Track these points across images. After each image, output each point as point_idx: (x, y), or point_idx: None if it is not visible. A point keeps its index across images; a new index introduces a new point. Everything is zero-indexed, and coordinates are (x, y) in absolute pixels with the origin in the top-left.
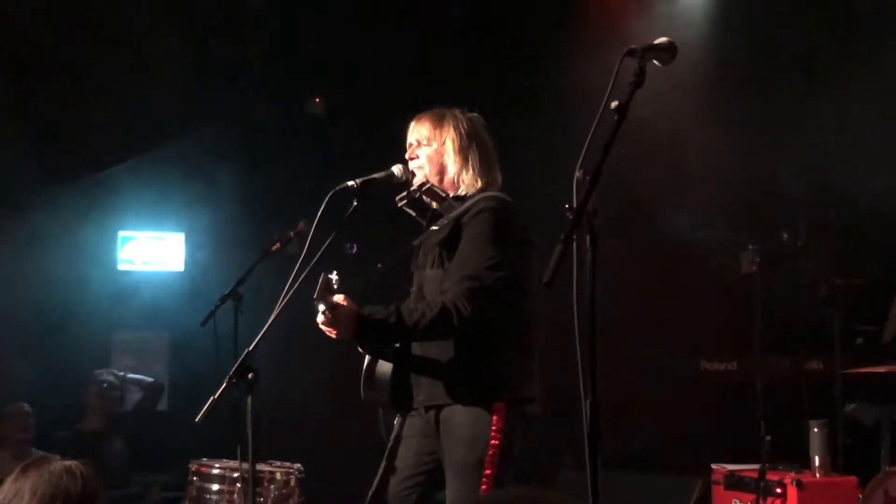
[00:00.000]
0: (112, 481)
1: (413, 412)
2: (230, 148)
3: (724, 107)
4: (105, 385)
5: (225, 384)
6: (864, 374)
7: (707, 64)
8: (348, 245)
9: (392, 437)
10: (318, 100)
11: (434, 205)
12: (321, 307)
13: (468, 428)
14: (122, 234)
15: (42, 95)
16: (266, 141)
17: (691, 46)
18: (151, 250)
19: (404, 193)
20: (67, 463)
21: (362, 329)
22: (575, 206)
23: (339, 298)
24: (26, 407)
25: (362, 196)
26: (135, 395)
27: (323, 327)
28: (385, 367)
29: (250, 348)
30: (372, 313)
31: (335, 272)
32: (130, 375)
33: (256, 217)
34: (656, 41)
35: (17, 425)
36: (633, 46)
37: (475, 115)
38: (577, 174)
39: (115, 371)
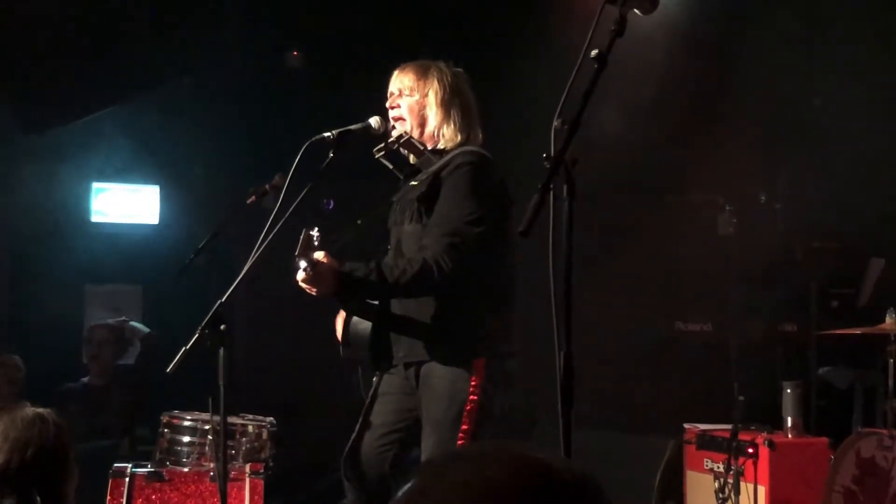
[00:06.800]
0: (111, 434)
1: (392, 370)
2: (207, 100)
3: (704, 63)
4: (102, 342)
5: (197, 335)
6: (839, 336)
7: (689, 19)
8: (325, 201)
9: (370, 393)
10: (295, 53)
11: (412, 158)
12: (302, 264)
13: (448, 383)
14: (95, 185)
15: (16, 44)
16: (243, 94)
17: None
18: (126, 202)
19: (382, 145)
20: (40, 410)
21: (343, 286)
22: (553, 155)
23: (319, 255)
24: (18, 360)
25: (339, 148)
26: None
27: (302, 284)
28: (364, 324)
29: (222, 300)
30: (352, 270)
31: (317, 228)
32: (131, 324)
33: (232, 170)
34: None
35: (3, 375)
36: None
37: (459, 70)
38: (556, 123)
39: (111, 320)
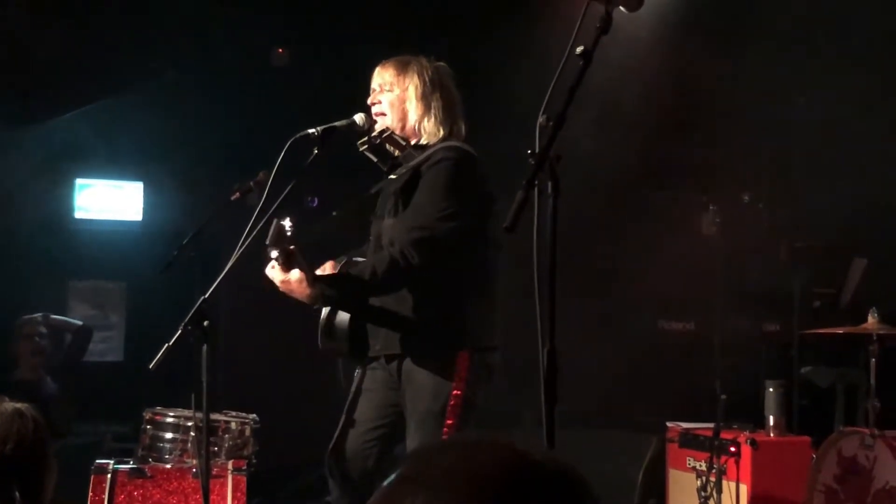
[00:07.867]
0: (52, 430)
1: (375, 364)
2: (192, 96)
3: (689, 63)
4: (34, 336)
5: (180, 331)
6: (822, 335)
7: (674, 17)
8: (309, 199)
9: (352, 389)
10: (280, 50)
11: (396, 153)
12: (274, 254)
13: (431, 377)
14: (79, 181)
15: None
16: (228, 90)
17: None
18: (109, 199)
19: (365, 139)
20: (17, 405)
21: (317, 294)
22: (537, 151)
23: (293, 274)
24: None
25: (323, 144)
26: (66, 339)
27: (269, 273)
28: (343, 316)
29: (206, 296)
30: (323, 278)
31: (288, 219)
32: (54, 317)
33: (216, 166)
34: None
35: None
36: None
37: (441, 64)
38: (541, 119)
39: (39, 314)
